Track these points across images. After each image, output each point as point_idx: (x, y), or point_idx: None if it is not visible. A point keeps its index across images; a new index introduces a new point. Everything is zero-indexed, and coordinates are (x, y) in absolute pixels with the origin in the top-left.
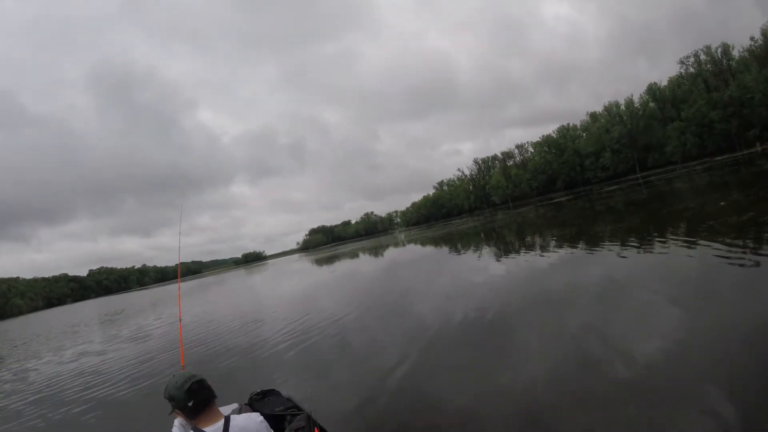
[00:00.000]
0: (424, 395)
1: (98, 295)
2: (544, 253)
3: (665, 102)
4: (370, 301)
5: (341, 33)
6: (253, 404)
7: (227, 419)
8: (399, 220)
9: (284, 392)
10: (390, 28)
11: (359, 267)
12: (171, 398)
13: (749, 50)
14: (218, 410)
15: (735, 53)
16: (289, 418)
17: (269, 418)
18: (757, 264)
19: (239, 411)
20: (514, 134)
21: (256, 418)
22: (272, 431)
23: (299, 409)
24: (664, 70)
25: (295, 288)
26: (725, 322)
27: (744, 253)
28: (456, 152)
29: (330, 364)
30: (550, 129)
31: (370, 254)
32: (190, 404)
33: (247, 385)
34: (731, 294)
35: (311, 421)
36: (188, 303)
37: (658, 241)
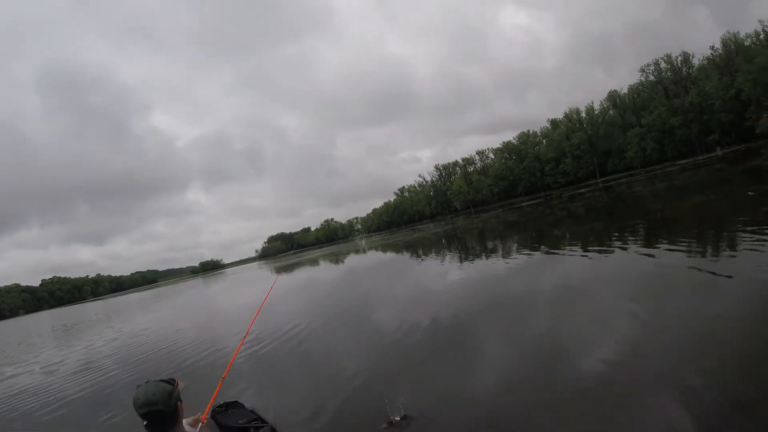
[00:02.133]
0: (387, 402)
1: (51, 306)
2: (505, 258)
3: (625, 109)
4: (331, 309)
5: (300, 37)
6: (215, 417)
7: None
8: (360, 226)
9: (247, 404)
10: (350, 33)
11: (320, 275)
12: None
13: (709, 59)
14: (181, 427)
15: (695, 62)
16: (252, 430)
17: (232, 431)
18: (715, 265)
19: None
20: (473, 142)
21: None
22: None
23: (263, 421)
24: (620, 80)
25: (253, 297)
26: (682, 323)
27: (702, 255)
28: (414, 159)
29: (291, 375)
30: (507, 137)
31: (331, 262)
32: (144, 424)
33: (207, 395)
34: (688, 295)
35: None
36: (141, 314)
37: (618, 244)
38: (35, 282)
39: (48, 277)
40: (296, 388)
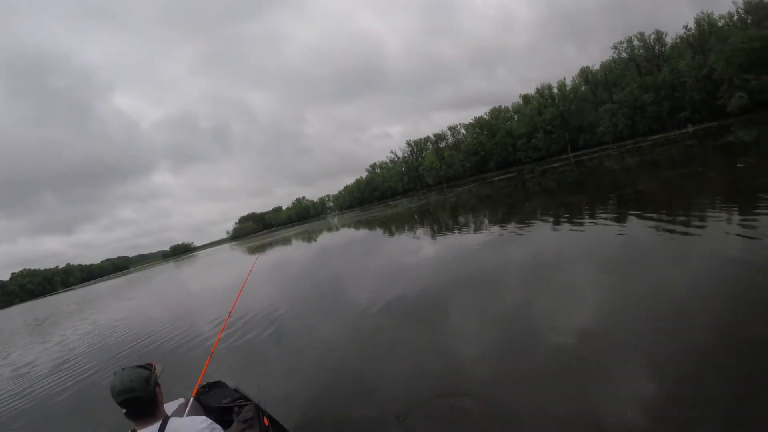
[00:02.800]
0: (365, 376)
1: (22, 300)
2: (478, 232)
3: (597, 85)
4: (305, 288)
5: (266, 12)
6: (200, 398)
7: (165, 421)
8: (332, 204)
9: (231, 383)
10: (318, 7)
11: (293, 254)
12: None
13: (682, 38)
14: (162, 410)
15: (668, 41)
16: (236, 409)
17: (217, 411)
18: (685, 235)
19: (186, 406)
20: (444, 117)
21: (199, 424)
22: (219, 428)
23: (247, 399)
24: (592, 57)
25: (227, 279)
26: (653, 291)
27: (671, 225)
28: (385, 135)
29: (273, 353)
30: (478, 112)
31: (303, 240)
32: (124, 412)
33: (191, 379)
34: (657, 264)
35: (260, 411)
36: (115, 303)
37: (588, 217)
38: (4, 276)
39: (17, 270)
40: (278, 365)
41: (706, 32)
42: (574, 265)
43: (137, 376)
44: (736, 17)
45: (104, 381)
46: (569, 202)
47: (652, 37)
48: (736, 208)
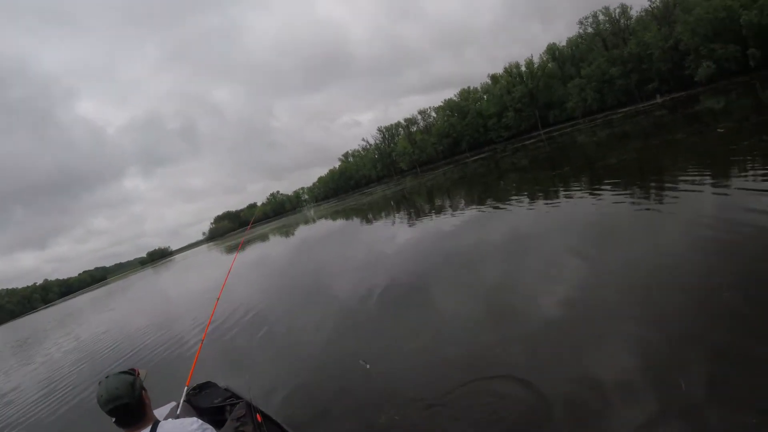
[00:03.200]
0: (354, 365)
1: (3, 321)
2: (454, 214)
3: (565, 61)
4: (287, 283)
5: (224, 3)
6: (190, 400)
7: (155, 425)
8: (307, 196)
9: (221, 383)
10: None
11: (271, 250)
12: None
13: (647, 11)
14: (151, 415)
15: (632, 14)
16: (228, 408)
17: (209, 411)
18: (658, 205)
19: (177, 409)
20: (413, 101)
21: (189, 426)
22: (211, 428)
23: (238, 397)
24: (557, 33)
25: (207, 282)
26: (629, 259)
27: (644, 197)
28: (355, 123)
29: (260, 351)
30: (447, 95)
31: (281, 235)
32: (113, 420)
33: (180, 383)
34: (633, 234)
35: (252, 408)
36: (96, 315)
37: (563, 193)
38: None
39: None
40: (265, 362)
41: (671, 4)
42: (552, 241)
43: (122, 382)
44: None
45: (93, 397)
46: (542, 178)
47: (617, 11)
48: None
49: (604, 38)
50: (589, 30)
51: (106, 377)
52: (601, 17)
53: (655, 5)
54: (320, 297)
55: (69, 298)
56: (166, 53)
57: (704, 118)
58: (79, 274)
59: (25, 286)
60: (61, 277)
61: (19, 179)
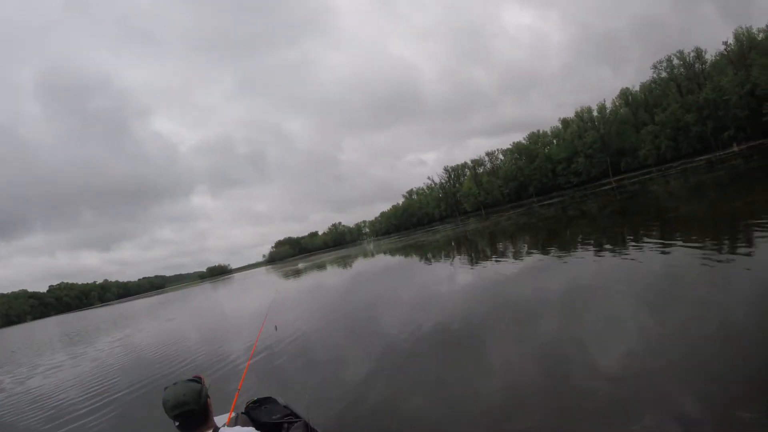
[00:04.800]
0: (402, 404)
1: (58, 312)
2: (516, 260)
3: (638, 106)
4: (337, 313)
5: (299, 39)
6: (249, 412)
7: (216, 431)
8: (368, 230)
9: (281, 400)
10: (350, 35)
11: (329, 279)
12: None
13: (723, 54)
14: (212, 421)
15: (707, 58)
16: (286, 425)
17: (266, 427)
18: (731, 261)
19: (235, 420)
20: (478, 144)
21: None
22: None
23: (296, 416)
24: (626, 78)
25: (260, 303)
26: (693, 331)
27: (718, 254)
28: (420, 162)
29: (312, 373)
30: (512, 138)
31: (338, 265)
32: (176, 424)
33: (241, 393)
34: (701, 292)
35: (309, 429)
36: (155, 322)
37: (632, 244)
38: (41, 288)
39: (55, 283)
40: (310, 385)
41: (746, 47)
42: (613, 297)
43: (189, 389)
44: None
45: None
46: (611, 227)
47: (692, 55)
48: None
49: (679, 83)
50: (663, 74)
51: (174, 384)
52: (675, 61)
53: (730, 48)
54: (367, 331)
55: (125, 301)
56: (242, 82)
57: None
58: (139, 280)
59: (85, 282)
60: (121, 280)
61: (91, 183)
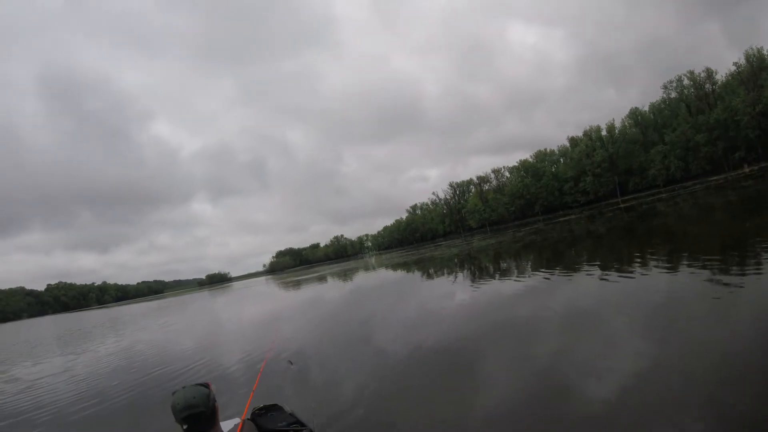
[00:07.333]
0: (407, 419)
1: (55, 311)
2: (518, 279)
3: (647, 126)
4: (335, 327)
5: (301, 50)
6: (255, 419)
7: None
8: (370, 243)
9: (287, 407)
10: (353, 48)
11: (333, 292)
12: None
13: (734, 75)
14: (218, 426)
15: (718, 78)
16: None
17: None
18: (738, 287)
19: (241, 426)
20: (480, 161)
21: None
22: None
23: (302, 424)
24: (630, 98)
25: (266, 313)
26: (699, 347)
27: (723, 275)
28: (422, 178)
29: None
30: (515, 156)
31: (339, 278)
32: (184, 427)
33: (245, 400)
34: (706, 316)
35: None
36: (156, 327)
37: (638, 264)
38: (38, 287)
39: (52, 282)
40: (327, 396)
41: (757, 68)
42: (616, 318)
43: (199, 393)
44: None
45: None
46: (617, 248)
47: (702, 75)
48: None
49: (689, 103)
50: (673, 94)
51: (183, 387)
52: (685, 81)
53: (741, 68)
54: (364, 346)
55: (123, 304)
56: (243, 90)
57: None
58: (138, 284)
59: (83, 283)
60: (119, 282)
61: (88, 184)
